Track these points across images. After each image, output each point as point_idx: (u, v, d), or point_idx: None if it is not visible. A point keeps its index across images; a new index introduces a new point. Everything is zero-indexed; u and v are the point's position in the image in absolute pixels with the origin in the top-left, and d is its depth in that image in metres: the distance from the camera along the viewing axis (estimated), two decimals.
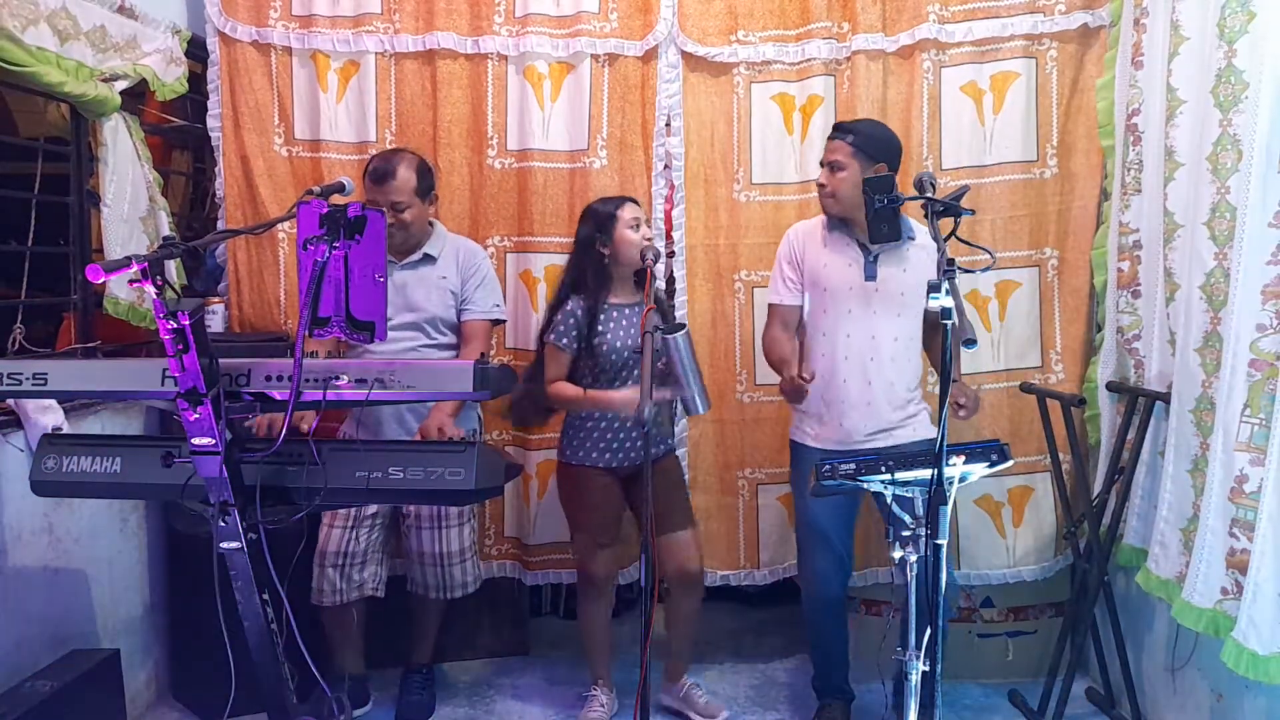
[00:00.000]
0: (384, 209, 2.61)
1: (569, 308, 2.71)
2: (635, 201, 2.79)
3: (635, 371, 2.64)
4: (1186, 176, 2.48)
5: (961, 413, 2.48)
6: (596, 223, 2.72)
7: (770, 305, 2.76)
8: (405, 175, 2.65)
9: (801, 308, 2.70)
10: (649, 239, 2.70)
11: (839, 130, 2.62)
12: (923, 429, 2.64)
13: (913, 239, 2.61)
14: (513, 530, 3.28)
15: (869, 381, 2.59)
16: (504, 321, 3.00)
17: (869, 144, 2.55)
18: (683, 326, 2.43)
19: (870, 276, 2.57)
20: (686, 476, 3.09)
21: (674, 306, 3.08)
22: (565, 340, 2.69)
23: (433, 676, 3.04)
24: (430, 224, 2.80)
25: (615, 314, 2.72)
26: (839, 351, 2.61)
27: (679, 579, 2.83)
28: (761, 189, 3.17)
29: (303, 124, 3.15)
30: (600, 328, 2.69)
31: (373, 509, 2.74)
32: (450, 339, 2.78)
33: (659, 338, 2.24)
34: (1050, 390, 2.96)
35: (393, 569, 2.94)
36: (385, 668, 3.04)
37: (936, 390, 2.74)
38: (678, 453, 3.06)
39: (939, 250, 1.91)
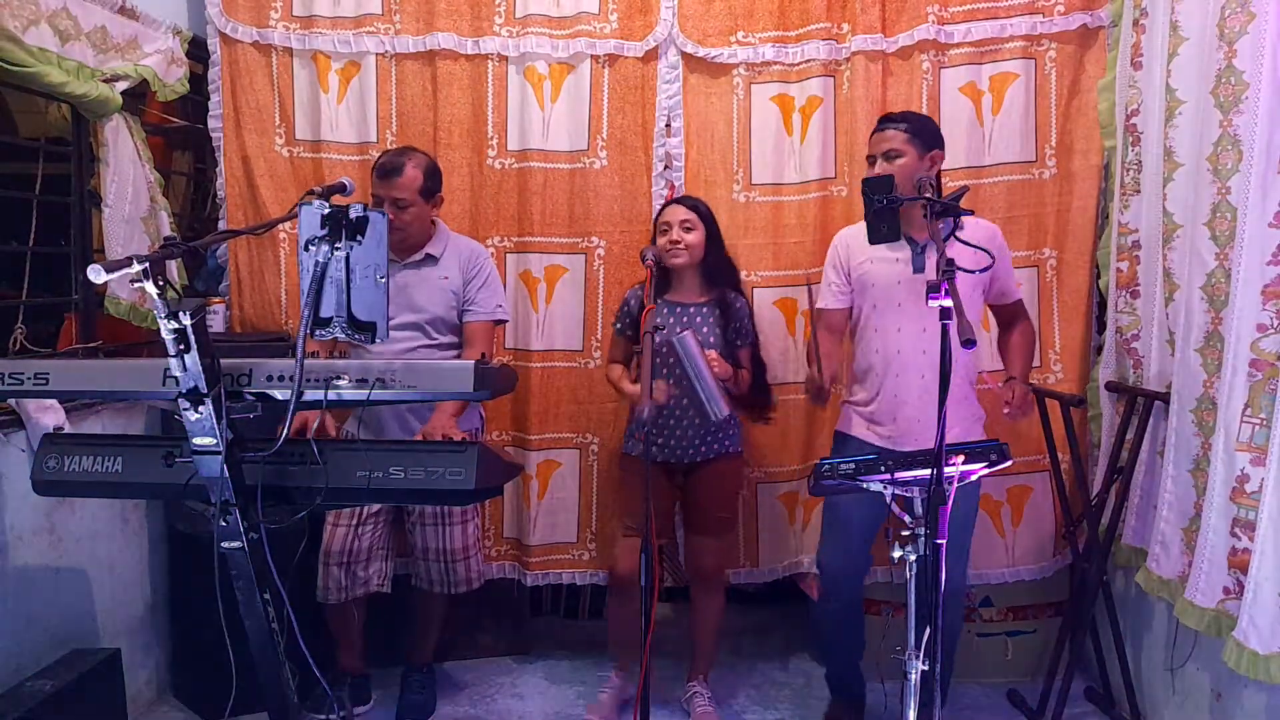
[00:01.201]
0: (386, 204, 2.62)
1: (627, 295, 2.91)
2: (682, 202, 2.82)
3: (677, 369, 2.65)
4: (1185, 177, 2.48)
5: (1006, 409, 2.50)
6: (656, 222, 2.85)
7: (816, 309, 2.76)
8: (412, 174, 2.65)
9: (849, 311, 2.70)
10: (674, 241, 2.73)
11: (889, 120, 2.58)
12: (977, 431, 2.64)
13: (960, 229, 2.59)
14: (512, 531, 3.28)
15: (923, 374, 2.54)
16: (506, 321, 2.99)
17: (923, 131, 2.54)
18: (688, 328, 2.42)
19: (919, 269, 2.54)
20: None
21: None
22: (619, 325, 2.89)
23: (433, 676, 3.04)
24: (433, 223, 2.80)
25: (666, 310, 2.78)
26: (891, 346, 2.58)
27: (696, 580, 2.92)
28: (761, 190, 3.18)
29: (304, 124, 3.16)
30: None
31: (376, 507, 2.74)
32: (450, 339, 2.77)
33: (658, 338, 2.25)
34: (1050, 390, 2.96)
35: (396, 567, 2.94)
36: (386, 667, 3.04)
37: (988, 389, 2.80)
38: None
39: (938, 251, 1.91)
